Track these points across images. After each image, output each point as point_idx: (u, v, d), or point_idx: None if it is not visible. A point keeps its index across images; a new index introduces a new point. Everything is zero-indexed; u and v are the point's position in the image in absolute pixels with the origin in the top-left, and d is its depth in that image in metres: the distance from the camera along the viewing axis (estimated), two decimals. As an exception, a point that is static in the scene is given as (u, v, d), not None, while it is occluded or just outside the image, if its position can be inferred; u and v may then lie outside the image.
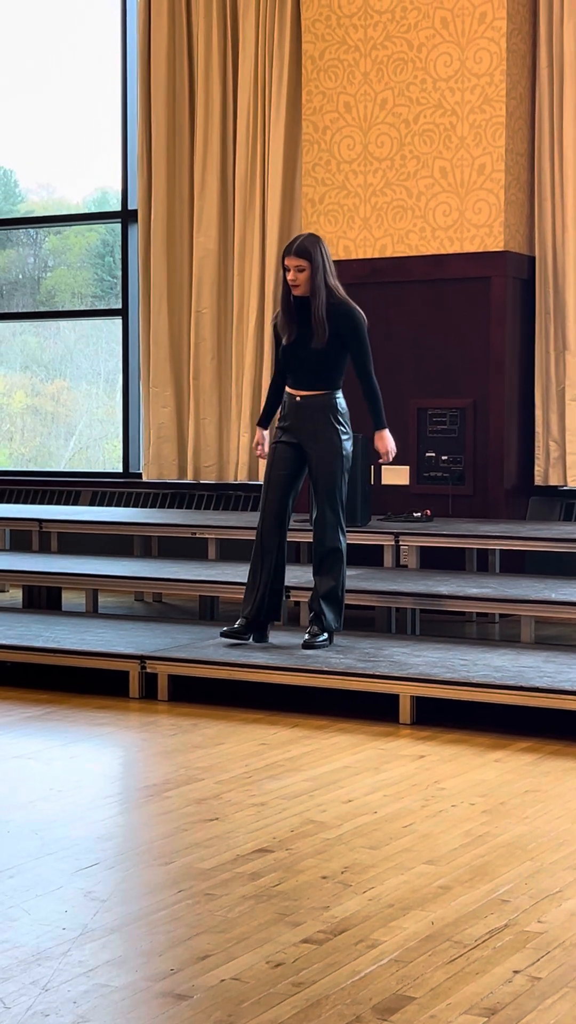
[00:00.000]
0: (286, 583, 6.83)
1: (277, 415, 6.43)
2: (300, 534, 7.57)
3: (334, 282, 6.10)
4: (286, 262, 6.06)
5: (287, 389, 6.27)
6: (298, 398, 6.20)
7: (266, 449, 6.39)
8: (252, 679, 6.01)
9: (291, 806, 4.46)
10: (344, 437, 6.14)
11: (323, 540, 6.14)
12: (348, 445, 6.17)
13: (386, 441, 6.25)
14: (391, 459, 6.31)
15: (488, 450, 8.36)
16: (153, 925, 3.40)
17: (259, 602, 6.25)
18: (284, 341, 6.18)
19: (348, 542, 7.46)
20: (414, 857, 3.94)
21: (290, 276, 6.04)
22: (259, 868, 3.83)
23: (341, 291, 6.11)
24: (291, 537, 7.61)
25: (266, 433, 6.41)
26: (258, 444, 6.42)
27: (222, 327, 9.47)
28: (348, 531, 7.48)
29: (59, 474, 10.69)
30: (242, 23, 9.30)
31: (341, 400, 6.18)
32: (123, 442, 10.36)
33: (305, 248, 6.04)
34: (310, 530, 6.30)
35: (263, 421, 6.43)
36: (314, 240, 6.09)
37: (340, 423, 6.14)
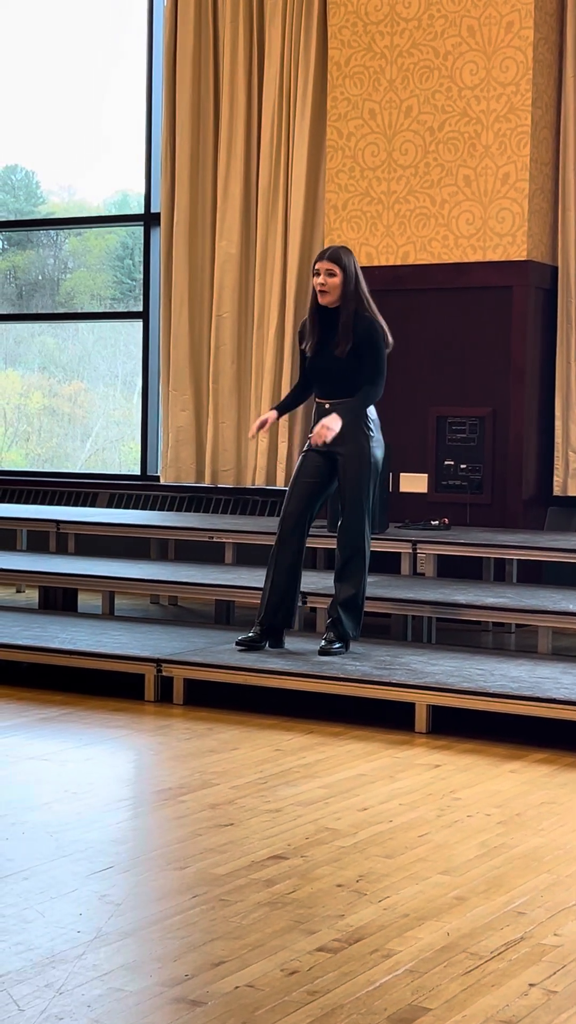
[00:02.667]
0: (304, 589, 6.82)
1: (294, 415, 6.40)
2: (318, 540, 7.56)
3: (365, 293, 6.09)
4: (317, 266, 6.06)
5: (316, 398, 6.26)
6: (327, 406, 6.18)
7: (262, 426, 6.26)
8: (268, 684, 6.00)
9: (306, 813, 4.45)
10: (374, 444, 6.11)
11: (347, 545, 6.12)
12: (379, 452, 6.15)
13: (331, 421, 5.96)
14: (318, 442, 5.98)
15: (507, 459, 8.34)
16: (167, 930, 3.39)
17: (275, 607, 6.24)
18: (307, 351, 6.17)
19: (370, 550, 7.46)
20: (429, 867, 3.93)
21: (319, 280, 6.03)
22: (274, 875, 3.82)
23: (372, 305, 6.10)
24: (310, 543, 7.59)
25: (276, 418, 6.33)
26: (264, 422, 6.26)
27: (242, 332, 9.47)
28: (370, 539, 7.47)
29: (76, 475, 10.70)
30: (268, 28, 9.30)
31: (371, 407, 6.15)
32: (141, 445, 10.36)
33: (338, 255, 6.05)
34: (329, 536, 6.29)
35: (280, 407, 6.39)
36: (347, 251, 6.11)
37: (370, 429, 6.12)
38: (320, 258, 6.07)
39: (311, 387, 6.31)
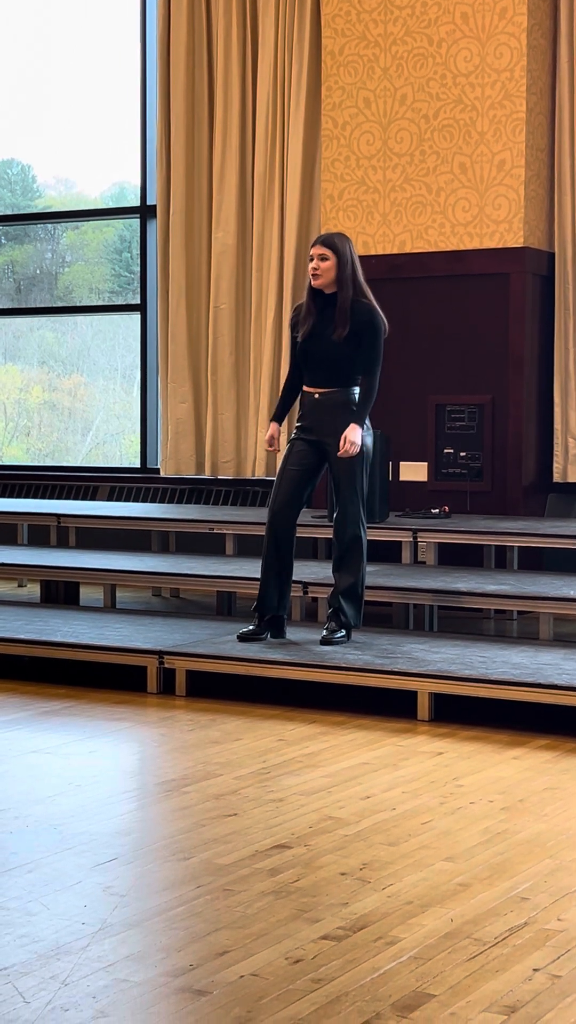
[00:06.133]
0: (305, 579, 6.83)
1: (294, 410, 6.41)
2: (319, 530, 7.57)
3: (362, 281, 6.09)
4: (311, 251, 6.08)
5: (304, 387, 6.25)
6: (316, 395, 6.18)
7: (279, 444, 6.37)
8: (270, 675, 6.01)
9: (309, 802, 4.46)
10: (363, 431, 6.12)
11: (345, 536, 6.13)
12: (368, 440, 6.15)
13: (355, 434, 6.00)
14: (351, 453, 6.00)
15: (506, 447, 8.34)
16: (172, 921, 3.40)
17: (270, 597, 6.26)
18: (300, 336, 6.16)
19: (367, 538, 7.45)
20: (433, 854, 3.93)
21: (313, 264, 6.05)
22: (277, 864, 3.83)
23: (369, 294, 6.10)
24: (309, 533, 7.61)
25: (280, 428, 6.38)
26: (271, 438, 6.36)
27: (240, 323, 9.46)
28: (366, 527, 7.47)
29: (77, 469, 10.70)
30: (261, 18, 9.29)
31: (357, 391, 6.15)
32: (141, 437, 10.36)
33: (332, 240, 6.06)
34: (329, 526, 6.29)
35: (278, 416, 6.39)
36: (344, 237, 6.12)
37: None
38: (314, 243, 6.10)
39: (300, 379, 6.29)
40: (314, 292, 6.11)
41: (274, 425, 6.37)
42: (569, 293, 8.45)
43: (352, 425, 6.03)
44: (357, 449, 6.02)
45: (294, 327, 6.24)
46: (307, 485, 6.24)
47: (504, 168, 8.29)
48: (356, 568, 6.16)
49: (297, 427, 6.26)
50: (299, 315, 6.21)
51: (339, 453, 6.04)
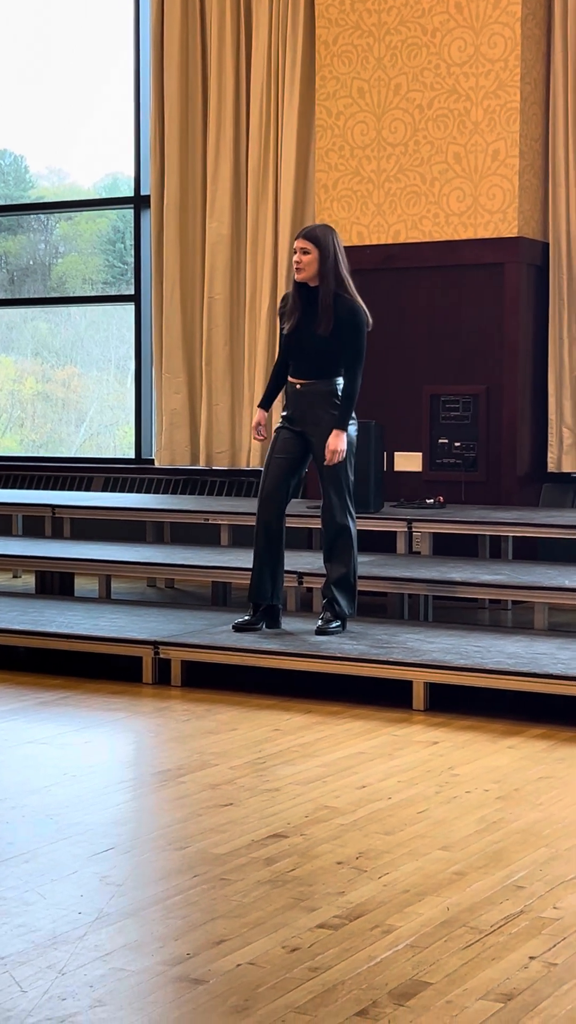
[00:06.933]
0: (300, 569, 6.84)
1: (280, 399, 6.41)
2: (314, 520, 7.56)
3: (345, 274, 6.06)
4: (294, 244, 6.08)
5: (288, 378, 6.25)
6: (299, 386, 6.18)
7: (266, 432, 6.37)
8: (265, 665, 6.01)
9: (305, 792, 4.47)
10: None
11: (332, 526, 6.14)
12: (352, 430, 6.16)
13: (339, 441, 6.04)
14: (335, 460, 6.04)
15: (501, 437, 8.34)
16: (169, 910, 3.41)
17: (264, 586, 6.26)
18: (285, 328, 6.15)
19: (361, 528, 7.45)
20: (429, 843, 3.94)
21: (295, 258, 6.05)
22: (274, 853, 3.84)
23: (352, 287, 6.08)
24: (304, 523, 7.61)
25: (266, 414, 6.38)
26: (258, 425, 6.36)
27: (235, 313, 9.46)
28: (361, 517, 7.47)
29: (71, 460, 10.70)
30: (255, 7, 9.27)
31: (341, 386, 6.14)
32: (135, 428, 10.35)
33: (314, 233, 6.04)
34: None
35: (264, 403, 6.39)
36: (327, 229, 6.09)
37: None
38: (297, 235, 6.09)
39: (288, 368, 6.29)
40: (299, 285, 6.11)
41: (260, 412, 6.37)
42: (563, 283, 8.45)
43: (335, 432, 6.05)
44: (342, 457, 6.05)
45: (282, 316, 6.24)
46: (294, 474, 6.25)
47: (498, 158, 8.29)
48: (347, 558, 6.16)
49: (282, 416, 6.27)
50: (286, 305, 6.20)
51: (325, 462, 6.05)
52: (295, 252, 6.07)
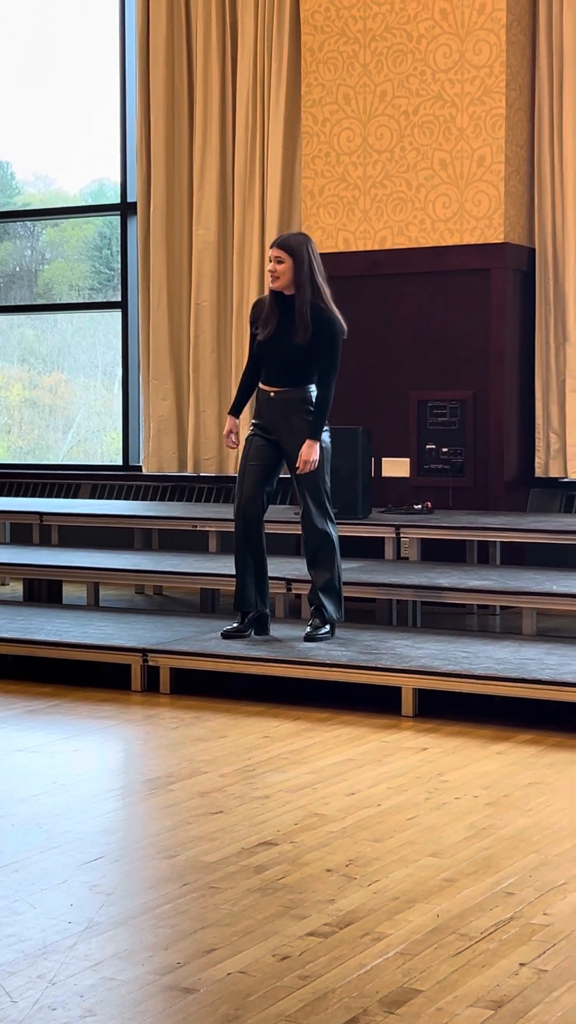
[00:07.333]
0: (288, 576, 6.84)
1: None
2: (300, 526, 7.55)
3: (320, 283, 6.05)
4: (269, 253, 6.08)
5: (260, 385, 6.23)
6: (272, 394, 6.17)
7: (237, 439, 6.36)
8: (254, 672, 6.01)
9: (294, 799, 4.47)
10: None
11: (314, 533, 6.14)
12: (326, 437, 6.16)
13: (312, 451, 6.05)
14: (307, 470, 6.06)
15: (488, 442, 8.36)
16: (159, 919, 3.41)
17: (250, 594, 6.26)
18: (261, 336, 6.14)
19: (349, 534, 7.46)
20: (418, 850, 3.94)
21: (269, 267, 6.05)
22: (264, 861, 3.83)
23: (327, 296, 6.07)
24: (291, 529, 7.61)
25: (237, 422, 6.38)
26: (230, 432, 6.34)
27: (222, 319, 9.46)
28: (349, 523, 7.49)
29: (59, 467, 10.69)
30: (241, 14, 9.28)
31: (315, 393, 6.14)
32: (123, 435, 10.35)
33: (288, 242, 6.04)
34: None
35: (235, 410, 6.38)
36: (302, 238, 6.09)
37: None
38: (272, 244, 6.09)
39: (258, 373, 6.29)
40: (275, 293, 6.10)
41: (232, 419, 6.35)
42: (550, 288, 8.47)
43: (308, 442, 6.05)
44: (314, 467, 6.07)
45: (253, 323, 6.22)
46: (269, 481, 6.24)
47: (484, 164, 8.30)
48: (331, 563, 6.17)
49: (253, 424, 6.25)
50: (260, 312, 6.18)
51: (298, 472, 6.06)
52: (270, 261, 6.06)
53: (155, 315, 9.61)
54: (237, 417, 6.36)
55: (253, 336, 6.22)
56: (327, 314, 6.04)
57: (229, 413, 6.37)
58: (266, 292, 6.16)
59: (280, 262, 6.02)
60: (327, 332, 6.03)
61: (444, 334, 8.47)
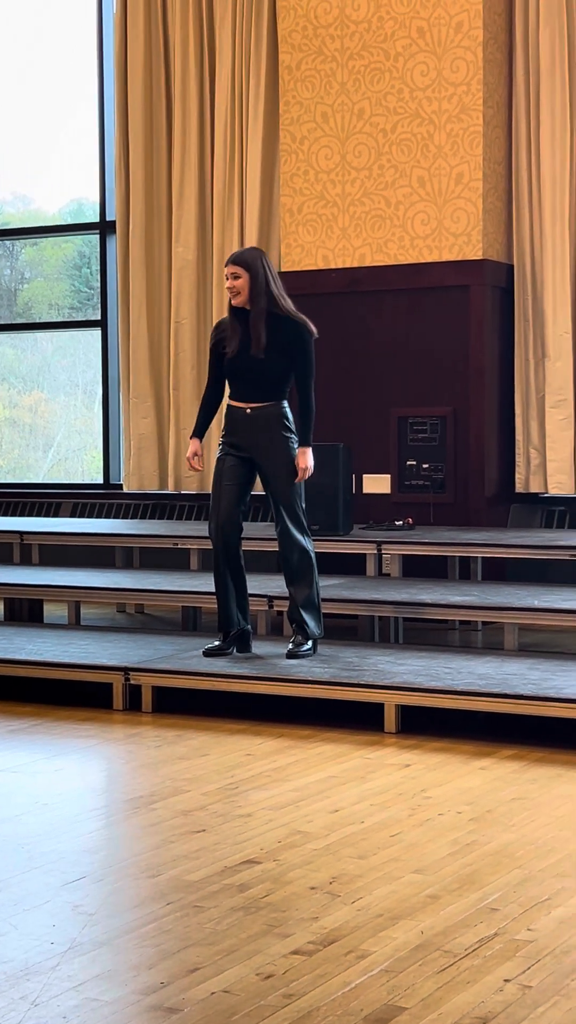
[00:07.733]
0: (270, 593, 6.84)
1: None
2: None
3: (278, 292, 6.06)
4: (224, 270, 6.09)
5: (232, 402, 6.21)
6: (248, 411, 6.16)
7: (202, 462, 6.35)
8: (236, 690, 6.00)
9: (277, 817, 4.45)
10: (295, 445, 6.12)
11: (293, 549, 6.13)
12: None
13: (306, 458, 6.08)
14: (306, 477, 6.09)
15: (469, 458, 8.37)
16: (142, 938, 3.39)
17: (232, 612, 6.26)
18: (228, 353, 6.13)
19: (330, 551, 7.46)
20: (402, 866, 3.93)
21: (227, 284, 6.06)
22: (247, 879, 3.82)
23: (288, 304, 6.08)
24: (272, 547, 7.60)
25: (201, 444, 6.37)
26: (195, 455, 6.33)
27: (202, 338, 9.47)
28: (330, 540, 7.49)
29: (39, 486, 10.67)
30: (219, 33, 9.31)
31: (288, 409, 6.16)
32: (103, 453, 10.34)
33: (243, 257, 6.06)
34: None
35: (199, 432, 6.36)
36: (255, 252, 6.11)
37: (291, 431, 6.13)
38: (226, 262, 6.10)
39: (219, 395, 6.29)
40: (235, 310, 6.11)
41: (196, 442, 6.33)
42: (528, 304, 8.50)
43: (301, 449, 6.07)
44: (311, 473, 6.09)
45: (215, 345, 6.21)
46: (243, 500, 6.24)
47: (462, 181, 8.33)
48: (310, 578, 6.16)
49: (225, 443, 6.22)
50: (223, 333, 6.18)
51: (296, 479, 6.06)
52: (227, 279, 6.07)
53: (135, 333, 9.62)
54: (201, 439, 6.35)
55: (217, 357, 6.21)
56: (292, 319, 6.04)
57: (193, 436, 6.34)
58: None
59: (237, 277, 6.03)
60: (297, 337, 6.04)
61: (424, 351, 8.49)
